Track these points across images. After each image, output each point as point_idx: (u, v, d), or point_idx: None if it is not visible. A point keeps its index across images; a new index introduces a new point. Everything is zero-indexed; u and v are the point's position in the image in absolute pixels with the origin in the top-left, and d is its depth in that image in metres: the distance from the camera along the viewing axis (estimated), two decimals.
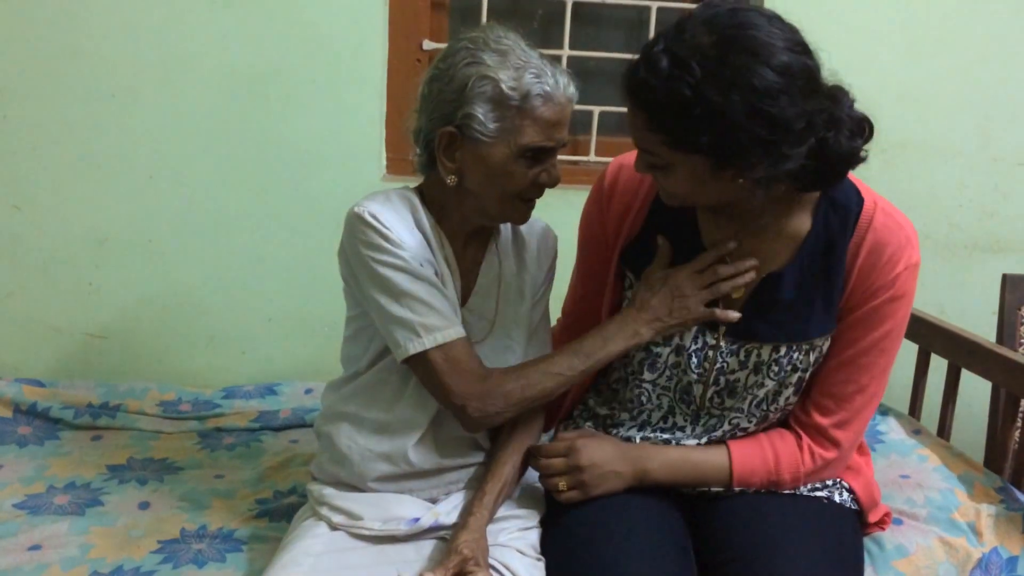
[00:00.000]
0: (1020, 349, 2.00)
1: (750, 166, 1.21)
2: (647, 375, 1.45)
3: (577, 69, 2.29)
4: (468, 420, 1.34)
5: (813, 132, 1.21)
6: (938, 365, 1.91)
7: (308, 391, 2.11)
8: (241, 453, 1.85)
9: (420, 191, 1.42)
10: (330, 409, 1.48)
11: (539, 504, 1.46)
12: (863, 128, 1.27)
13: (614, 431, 1.50)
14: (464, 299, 1.42)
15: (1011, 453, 1.68)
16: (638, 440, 1.47)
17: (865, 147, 1.28)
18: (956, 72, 2.33)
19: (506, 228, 1.48)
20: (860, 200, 1.36)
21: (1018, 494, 1.59)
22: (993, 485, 1.63)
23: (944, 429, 1.87)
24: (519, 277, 1.47)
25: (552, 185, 1.36)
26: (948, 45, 2.31)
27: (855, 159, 1.27)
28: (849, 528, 1.43)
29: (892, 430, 1.85)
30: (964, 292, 2.42)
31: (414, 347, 1.30)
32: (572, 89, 1.32)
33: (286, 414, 2.01)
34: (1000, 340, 2.01)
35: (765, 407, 1.43)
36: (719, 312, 1.37)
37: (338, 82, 2.14)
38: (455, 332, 1.32)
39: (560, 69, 1.32)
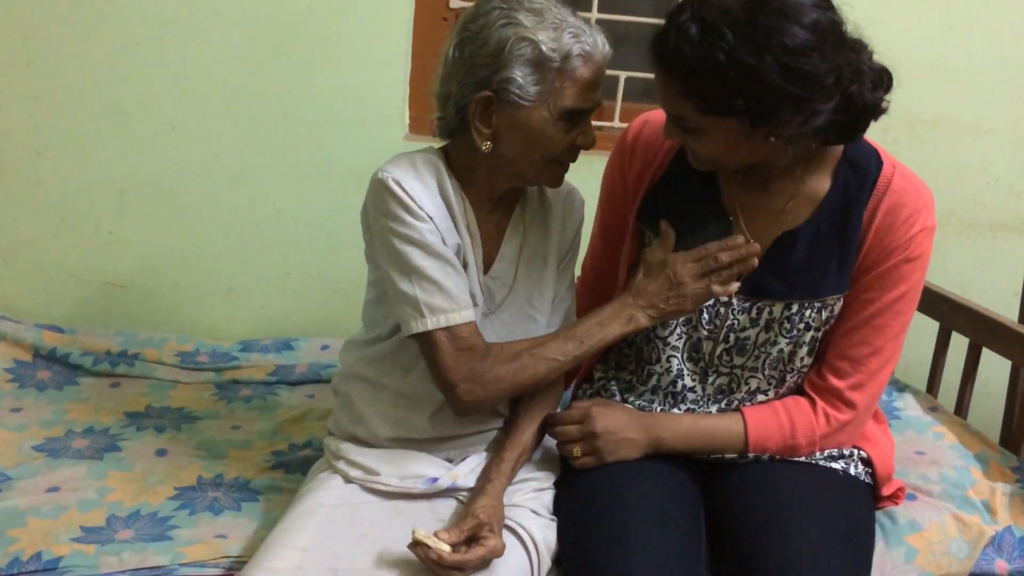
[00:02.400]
0: None
1: (783, 124, 1.22)
2: (660, 331, 1.45)
3: (606, 33, 2.29)
4: (458, 403, 1.32)
5: (841, 86, 1.22)
6: (958, 343, 1.90)
7: (325, 347, 2.12)
8: (258, 405, 1.87)
9: (446, 154, 1.39)
10: (349, 369, 1.48)
11: (554, 466, 1.47)
12: (883, 79, 1.29)
13: (629, 397, 1.51)
14: (487, 266, 1.41)
15: None
16: (656, 409, 1.48)
17: (886, 98, 1.29)
18: (990, 49, 2.30)
19: (532, 192, 1.45)
20: (880, 163, 1.38)
21: None
22: (1009, 464, 1.62)
23: (962, 407, 1.86)
24: (543, 243, 1.45)
25: (589, 147, 1.34)
26: (984, 21, 2.27)
27: (878, 110, 1.29)
28: (862, 502, 1.44)
29: (909, 406, 1.84)
30: (987, 271, 2.40)
31: (417, 326, 1.29)
32: (608, 48, 1.30)
33: (302, 369, 2.01)
34: (1023, 320, 1.99)
35: (781, 368, 1.43)
36: (717, 288, 1.36)
37: (363, 38, 2.12)
38: (460, 315, 1.30)
39: (595, 28, 1.29)
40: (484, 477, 1.35)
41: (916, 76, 2.21)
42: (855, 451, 1.47)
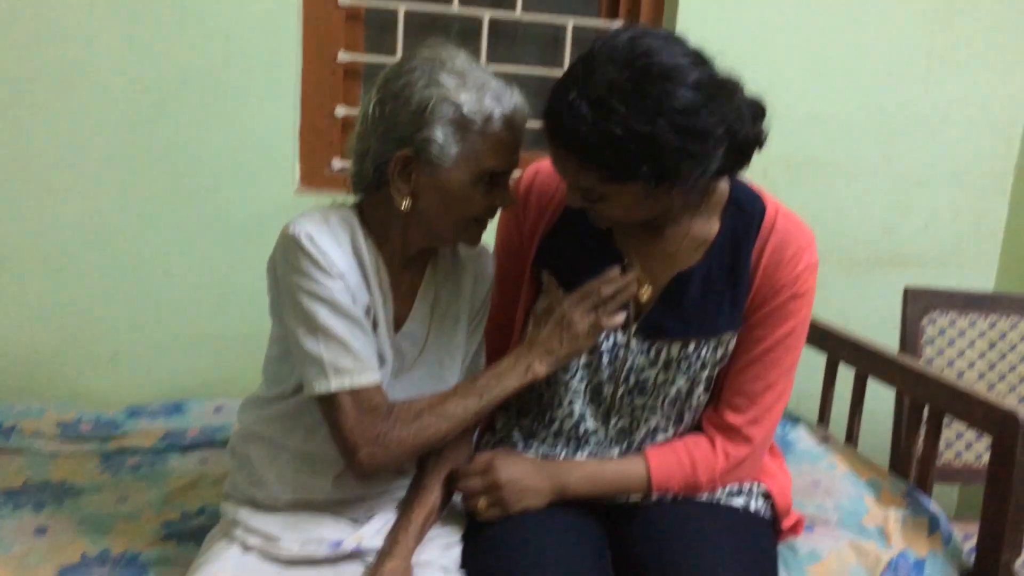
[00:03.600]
0: (921, 359, 2.08)
1: (684, 178, 1.25)
2: (562, 376, 1.45)
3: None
4: (359, 467, 1.27)
5: (729, 130, 1.26)
6: (845, 375, 1.97)
7: (217, 409, 2.04)
8: (146, 474, 1.77)
9: (360, 210, 1.36)
10: (248, 429, 1.42)
11: (461, 519, 1.44)
12: (759, 111, 1.33)
13: (532, 444, 1.51)
14: (399, 325, 1.38)
15: (915, 459, 1.73)
16: (560, 453, 1.48)
17: (764, 127, 1.34)
18: (859, 94, 2.42)
19: (444, 251, 1.43)
20: (763, 205, 1.44)
21: (923, 499, 1.65)
22: (899, 490, 1.68)
23: (852, 436, 1.92)
24: (455, 303, 1.43)
25: (508, 207, 1.35)
26: (851, 68, 2.40)
27: (760, 142, 1.34)
28: (765, 537, 1.47)
29: (802, 439, 1.89)
30: (867, 304, 2.50)
31: (321, 387, 1.25)
32: (527, 110, 1.30)
33: (194, 433, 1.93)
34: (903, 349, 2.09)
35: (680, 406, 1.46)
36: (605, 321, 1.37)
37: (250, 93, 2.09)
38: (366, 377, 1.26)
39: (515, 89, 1.29)
40: (392, 538, 1.32)
41: (791, 120, 2.33)
42: (755, 486, 1.49)
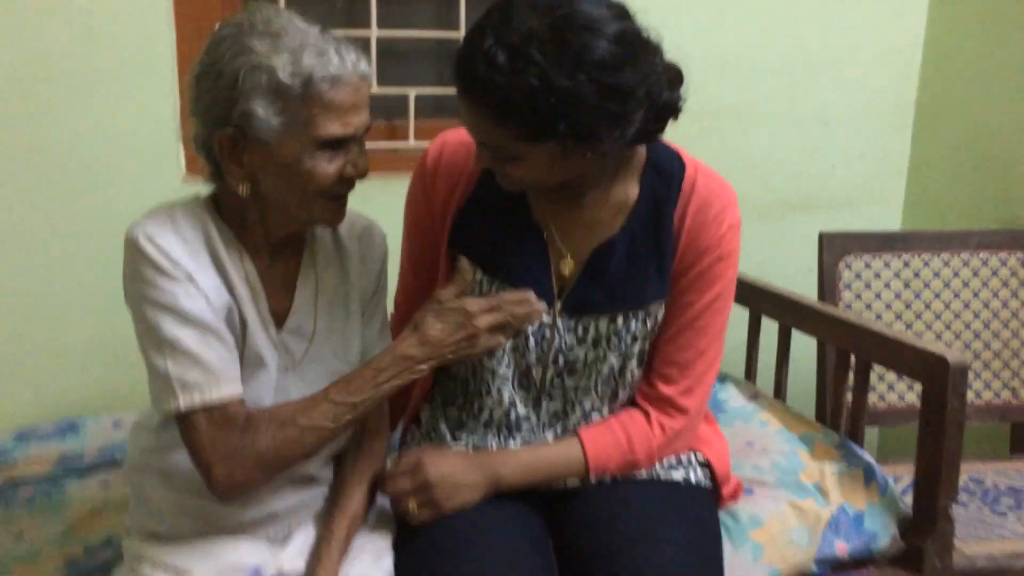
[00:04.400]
0: (840, 304, 2.07)
1: (601, 140, 1.18)
2: (487, 363, 1.38)
3: (388, 50, 2.20)
4: (216, 486, 1.15)
5: (649, 93, 1.20)
6: (767, 328, 1.95)
7: (116, 424, 1.88)
8: (42, 506, 1.62)
9: (216, 201, 1.24)
10: (139, 459, 1.30)
11: (390, 525, 1.36)
12: (676, 77, 1.28)
13: (460, 435, 1.43)
14: (280, 320, 1.26)
15: (845, 410, 1.72)
16: (491, 443, 1.40)
17: (681, 93, 1.28)
18: (758, 38, 2.38)
19: (323, 233, 1.32)
20: (682, 165, 1.37)
21: (857, 450, 1.64)
22: (832, 443, 1.66)
23: (780, 390, 1.91)
24: (343, 288, 1.32)
25: (361, 176, 1.20)
26: (749, 12, 2.35)
27: (677, 109, 1.28)
28: (708, 508, 1.43)
29: (732, 397, 1.87)
30: (781, 251, 2.49)
31: (170, 405, 1.13)
32: (364, 65, 1.15)
33: (92, 454, 1.77)
34: (822, 297, 2.08)
35: (614, 384, 1.40)
36: (503, 341, 1.28)
37: (122, 76, 1.91)
38: (220, 391, 1.14)
39: (347, 44, 1.15)
40: (315, 558, 1.23)
41: (697, 69, 2.26)
42: (692, 456, 1.45)
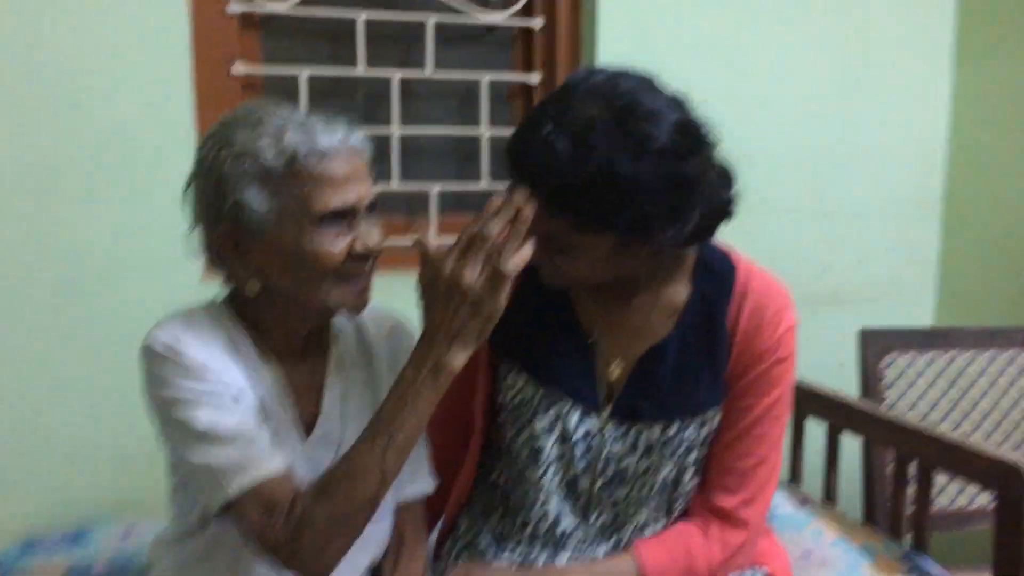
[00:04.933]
0: (884, 403, 1.99)
1: (657, 235, 1.13)
2: (530, 473, 1.29)
3: (409, 147, 2.18)
4: (295, 569, 1.06)
5: (708, 187, 1.15)
6: (810, 428, 1.87)
7: (126, 535, 1.77)
8: None
9: (234, 306, 1.18)
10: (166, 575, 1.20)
11: None
12: (728, 177, 1.24)
13: (504, 549, 1.33)
14: (309, 427, 1.18)
15: (904, 518, 1.62)
16: (538, 560, 1.30)
17: (735, 193, 1.24)
18: (784, 131, 2.36)
19: (347, 334, 1.24)
20: (733, 265, 1.32)
21: (923, 562, 1.54)
22: (895, 555, 1.57)
23: (830, 495, 1.81)
24: (372, 392, 1.24)
25: (372, 252, 1.11)
26: (774, 105, 2.34)
27: (731, 208, 1.24)
28: None
29: (780, 504, 1.77)
30: (811, 347, 2.40)
31: (219, 498, 1.05)
32: (356, 138, 1.10)
33: (101, 567, 1.66)
34: (864, 395, 2.00)
35: (668, 495, 1.31)
36: (508, 266, 1.04)
37: (140, 177, 1.86)
38: (266, 468, 1.06)
39: (336, 119, 1.11)
40: None
41: None
42: (755, 571, 1.35)
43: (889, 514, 1.68)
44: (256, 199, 1.06)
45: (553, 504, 1.30)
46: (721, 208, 1.22)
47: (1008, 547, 1.38)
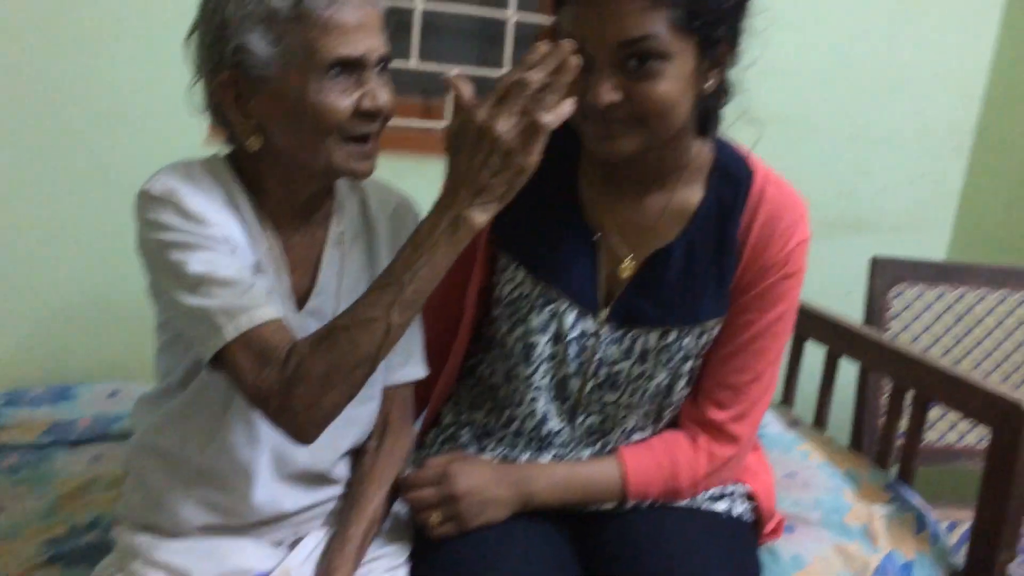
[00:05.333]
0: (886, 333, 1.96)
1: (722, 56, 1.14)
2: (521, 369, 1.26)
3: (430, 25, 2.08)
4: (280, 426, 1.00)
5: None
6: (809, 351, 1.84)
7: (113, 394, 1.77)
8: (27, 476, 1.50)
9: (235, 165, 1.12)
10: (141, 439, 1.18)
11: (407, 535, 1.24)
12: None
13: (487, 444, 1.32)
14: (302, 300, 1.14)
15: (894, 448, 1.61)
16: (520, 456, 1.29)
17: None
18: (823, 50, 2.28)
19: (350, 207, 1.19)
20: (751, 171, 1.26)
21: (908, 493, 1.53)
22: (880, 483, 1.56)
23: (822, 420, 1.79)
24: (369, 270, 1.19)
25: (383, 111, 1.04)
26: (814, 22, 2.24)
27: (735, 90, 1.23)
28: (748, 544, 1.31)
29: (769, 423, 1.75)
30: (825, 272, 2.36)
31: (215, 343, 0.98)
32: None
33: (85, 424, 1.66)
34: (868, 323, 1.97)
35: (659, 402, 1.29)
36: (547, 118, 0.96)
37: (150, 26, 1.78)
38: (261, 313, 0.99)
39: None
40: (327, 564, 1.11)
41: (755, 73, 2.15)
42: (737, 487, 1.34)
43: (878, 442, 1.66)
44: (259, 43, 0.99)
45: (541, 403, 1.28)
46: (732, 85, 1.21)
47: (997, 485, 1.36)
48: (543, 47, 0.98)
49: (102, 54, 1.78)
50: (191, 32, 1.07)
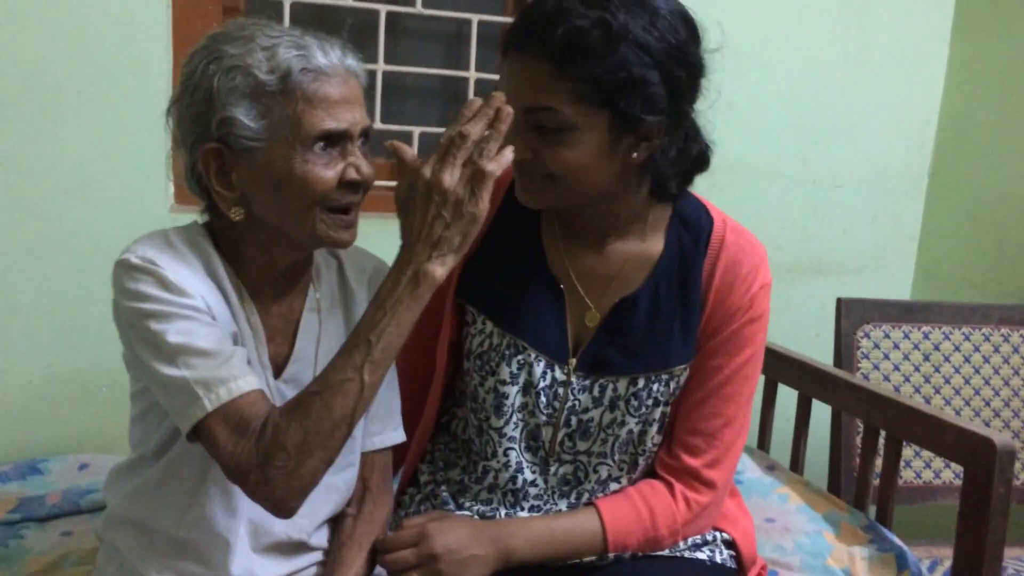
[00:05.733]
0: (857, 374, 1.98)
1: (648, 133, 1.13)
2: (494, 422, 1.26)
3: (393, 86, 2.11)
4: (258, 500, 0.99)
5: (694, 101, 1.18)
6: (782, 394, 1.85)
7: (83, 467, 1.73)
8: None
9: (211, 233, 1.12)
10: (114, 511, 1.16)
11: None
12: (700, 130, 1.26)
13: (463, 501, 1.31)
14: (279, 369, 1.14)
15: (871, 488, 1.61)
16: (498, 511, 1.28)
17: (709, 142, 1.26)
18: (776, 97, 2.33)
19: (328, 273, 1.20)
20: (710, 219, 1.29)
21: (887, 533, 1.53)
22: (859, 524, 1.56)
23: (797, 463, 1.80)
24: (347, 335, 1.20)
25: (365, 181, 1.06)
26: (767, 70, 2.30)
27: (707, 158, 1.25)
28: None
29: (747, 468, 1.75)
30: (789, 315, 2.41)
31: (194, 412, 0.97)
32: (352, 60, 1.05)
33: (55, 499, 1.61)
34: (838, 364, 1.99)
35: (632, 450, 1.28)
36: (490, 167, 1.00)
37: (112, 95, 1.79)
38: (239, 384, 0.99)
39: (331, 40, 1.05)
40: None
41: (710, 123, 2.20)
42: (717, 534, 1.33)
43: (855, 484, 1.67)
44: (246, 116, 1.01)
45: (514, 455, 1.28)
46: (700, 151, 1.22)
47: (973, 522, 1.37)
48: (477, 101, 1.03)
49: (63, 119, 1.77)
50: (173, 102, 1.07)
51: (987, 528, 1.34)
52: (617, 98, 1.08)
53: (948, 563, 1.52)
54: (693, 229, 1.27)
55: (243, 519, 1.10)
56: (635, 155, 1.14)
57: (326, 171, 1.03)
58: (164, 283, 1.01)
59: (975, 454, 1.36)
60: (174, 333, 0.99)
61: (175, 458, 1.09)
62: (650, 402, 1.26)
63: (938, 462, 1.96)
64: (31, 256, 1.79)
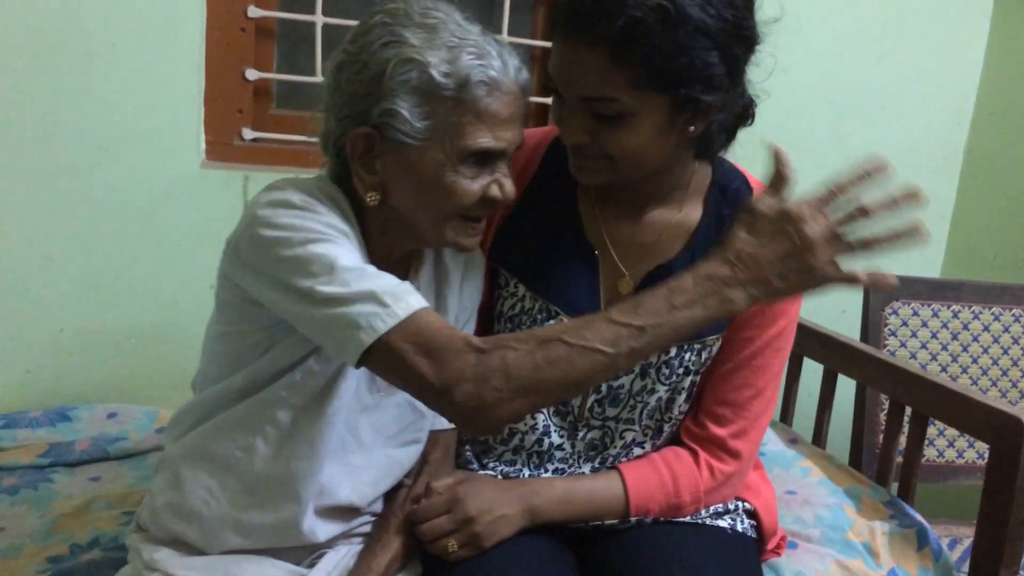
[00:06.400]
0: (884, 350, 1.97)
1: (704, 109, 1.11)
2: None
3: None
4: (459, 412, 0.93)
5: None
6: (807, 368, 1.84)
7: (111, 415, 1.76)
8: (27, 497, 1.49)
9: (347, 194, 1.08)
10: (190, 443, 1.13)
11: (415, 561, 1.22)
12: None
13: (487, 461, 1.32)
14: None
15: (893, 465, 1.61)
16: (522, 471, 1.29)
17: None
18: (812, 69, 2.30)
19: (428, 257, 1.19)
20: (749, 188, 1.28)
21: (908, 509, 1.53)
22: (881, 499, 1.55)
23: (820, 437, 1.79)
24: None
25: (506, 201, 1.06)
26: (804, 42, 2.26)
27: (752, 112, 1.24)
28: (752, 560, 1.31)
29: (769, 440, 1.75)
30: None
31: (381, 323, 0.90)
32: (525, 75, 1.04)
33: (83, 445, 1.65)
34: (864, 341, 1.98)
35: (659, 417, 1.29)
36: (865, 276, 0.97)
37: (145, 49, 1.79)
38: (416, 299, 0.94)
39: (509, 49, 1.03)
40: None
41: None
42: (739, 503, 1.34)
43: (878, 460, 1.66)
44: (411, 112, 0.99)
45: (542, 418, 1.28)
46: (746, 108, 1.21)
47: (997, 501, 1.36)
48: (881, 161, 0.98)
49: (98, 83, 1.77)
50: (335, 66, 1.04)
51: (1012, 507, 1.34)
52: (677, 83, 1.06)
53: (967, 542, 1.52)
54: (732, 198, 1.27)
55: (318, 480, 1.10)
56: (692, 128, 1.13)
57: (472, 185, 1.03)
58: (315, 213, 0.98)
59: (1002, 432, 1.35)
60: (345, 257, 0.95)
61: (266, 399, 1.07)
62: (681, 371, 1.26)
63: (961, 441, 1.95)
64: (63, 208, 1.80)
